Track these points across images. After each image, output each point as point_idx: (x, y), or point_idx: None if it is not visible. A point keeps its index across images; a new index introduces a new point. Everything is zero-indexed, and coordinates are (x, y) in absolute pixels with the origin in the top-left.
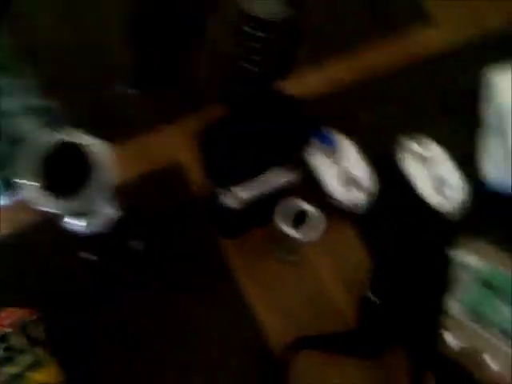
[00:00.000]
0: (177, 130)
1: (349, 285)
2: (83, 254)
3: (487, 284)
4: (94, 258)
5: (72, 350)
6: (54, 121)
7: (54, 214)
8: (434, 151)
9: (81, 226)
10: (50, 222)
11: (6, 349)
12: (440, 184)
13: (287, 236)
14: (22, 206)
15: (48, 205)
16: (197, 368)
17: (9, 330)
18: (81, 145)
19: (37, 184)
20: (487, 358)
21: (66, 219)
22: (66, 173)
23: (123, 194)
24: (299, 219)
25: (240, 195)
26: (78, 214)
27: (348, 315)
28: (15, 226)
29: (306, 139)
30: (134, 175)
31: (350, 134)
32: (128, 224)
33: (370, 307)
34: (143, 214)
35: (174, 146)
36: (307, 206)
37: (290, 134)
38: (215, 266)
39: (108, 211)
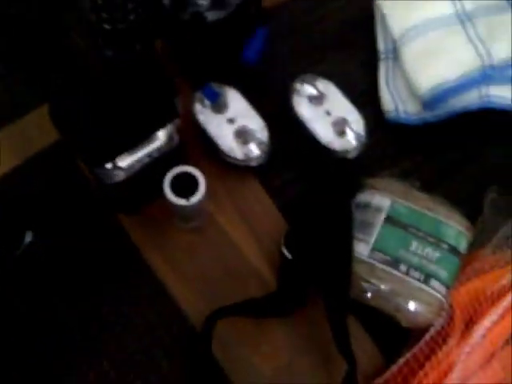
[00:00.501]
0: None
1: (262, 243)
2: None
3: (394, 221)
4: None
5: None
6: None
7: None
8: (329, 90)
9: None
10: None
11: None
12: (338, 124)
13: (174, 205)
14: None
15: None
16: (120, 359)
17: None
18: None
19: None
20: (403, 299)
21: None
22: None
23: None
24: (185, 184)
25: (118, 168)
26: None
27: (265, 274)
28: None
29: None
30: (14, 162)
31: (236, 82)
32: (10, 221)
33: (286, 263)
34: (31, 203)
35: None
36: (190, 169)
37: (158, 99)
38: (119, 247)
39: None
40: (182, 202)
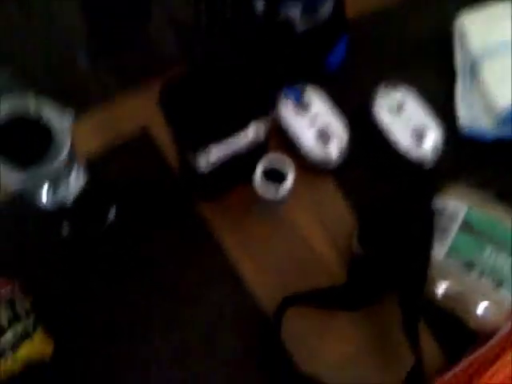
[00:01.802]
0: (141, 95)
1: (334, 239)
2: (60, 230)
3: (470, 228)
4: (67, 233)
5: (58, 322)
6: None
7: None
8: (409, 99)
9: (48, 200)
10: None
11: None
12: (416, 132)
13: (264, 195)
14: None
15: (9, 179)
16: (191, 339)
17: None
18: (39, 114)
19: None
20: (474, 302)
21: (34, 193)
22: (24, 144)
23: (91, 166)
24: (275, 176)
25: (210, 156)
26: (44, 186)
27: (335, 270)
28: None
29: (271, 99)
30: (101, 146)
31: (319, 85)
32: (99, 196)
33: (358, 260)
34: (114, 185)
35: (140, 112)
36: (279, 163)
37: (255, 93)
38: (197, 232)
39: (75, 183)
40: (271, 190)
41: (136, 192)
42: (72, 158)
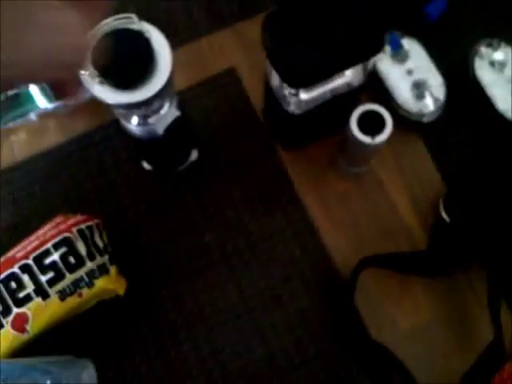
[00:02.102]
0: (230, 36)
1: (417, 202)
2: (142, 164)
3: None
4: (152, 167)
5: (134, 261)
6: None
7: (111, 119)
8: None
9: (140, 129)
10: (108, 129)
11: (70, 253)
12: None
13: (354, 143)
14: (78, 112)
15: (108, 97)
16: (261, 285)
17: (73, 234)
18: (142, 33)
19: (94, 73)
20: None
21: (125, 121)
22: (127, 63)
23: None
24: (370, 123)
25: (304, 98)
26: (138, 112)
27: (416, 234)
28: (70, 133)
29: (381, 38)
30: (187, 82)
31: (421, 37)
32: (184, 131)
33: (443, 227)
34: (198, 122)
35: (229, 53)
36: (379, 108)
37: (366, 30)
38: (276, 182)
39: (170, 112)
40: (368, 139)
41: (219, 133)
42: (170, 86)
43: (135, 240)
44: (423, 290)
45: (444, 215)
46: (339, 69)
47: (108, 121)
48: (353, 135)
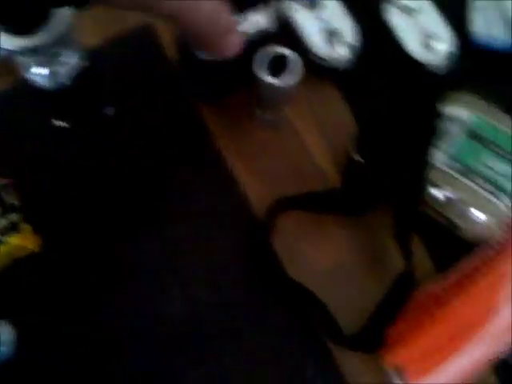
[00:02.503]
0: None
1: (332, 146)
2: (55, 121)
3: (475, 135)
4: (66, 124)
5: (47, 218)
6: None
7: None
8: (423, 3)
9: (45, 78)
10: (18, 87)
11: None
12: (427, 37)
13: (266, 88)
14: None
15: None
16: (183, 237)
17: None
18: None
19: None
20: (473, 209)
21: (30, 70)
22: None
23: (92, 55)
24: (278, 66)
25: None
26: (40, 60)
27: (332, 177)
28: None
29: None
30: (103, 38)
31: None
32: (96, 83)
33: (355, 167)
34: (112, 77)
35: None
36: (285, 51)
37: None
38: (195, 133)
39: (72, 60)
40: (275, 81)
41: (136, 88)
42: (68, 35)
43: (52, 199)
44: (340, 228)
45: (355, 156)
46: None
47: (18, 81)
48: (260, 78)
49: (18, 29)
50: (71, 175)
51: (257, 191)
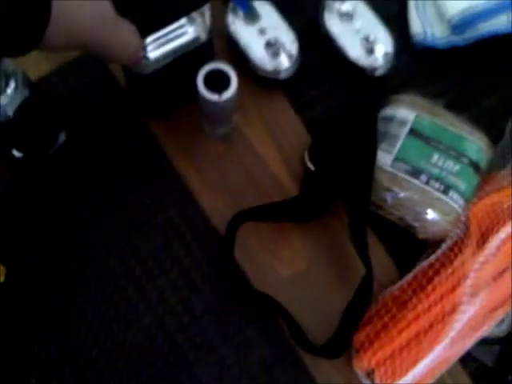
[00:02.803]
0: None
1: (287, 156)
2: (12, 151)
3: (418, 134)
4: (18, 154)
5: (10, 247)
6: None
7: None
8: (360, 8)
9: None
10: None
11: None
12: (367, 42)
13: (206, 103)
14: None
15: None
16: (144, 255)
17: None
18: None
19: None
20: (422, 209)
21: None
22: None
23: (39, 83)
24: (217, 81)
25: (151, 55)
26: None
27: (289, 187)
28: None
29: None
30: (49, 65)
31: None
32: (46, 114)
33: (309, 175)
34: (61, 104)
35: None
36: (223, 65)
37: None
38: (148, 152)
39: (17, 91)
40: (214, 97)
41: (86, 113)
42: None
43: (12, 227)
44: (299, 236)
45: (309, 164)
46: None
47: None
48: (201, 95)
49: None
50: (29, 203)
51: (214, 204)
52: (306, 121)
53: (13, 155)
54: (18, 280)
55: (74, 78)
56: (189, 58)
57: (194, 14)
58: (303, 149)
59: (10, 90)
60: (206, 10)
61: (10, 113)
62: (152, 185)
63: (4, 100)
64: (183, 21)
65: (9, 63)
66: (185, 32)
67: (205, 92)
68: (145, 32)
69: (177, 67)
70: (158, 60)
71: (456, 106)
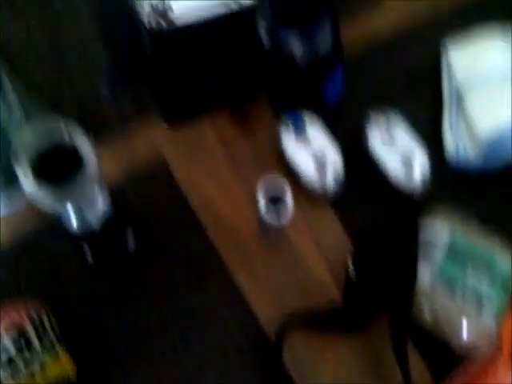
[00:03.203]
0: (155, 123)
1: (331, 263)
2: (83, 255)
3: (454, 250)
4: (91, 259)
5: (82, 344)
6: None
7: (53, 216)
8: (399, 129)
9: (77, 223)
10: (51, 227)
11: (21, 338)
12: (405, 160)
13: (264, 222)
14: (24, 213)
15: (43, 196)
16: (197, 353)
17: (23, 320)
18: (69, 140)
19: (32, 177)
20: (458, 325)
21: (64, 217)
22: (58, 166)
23: (112, 192)
24: (276, 200)
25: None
26: (73, 210)
27: (332, 292)
28: (18, 232)
29: None
30: (120, 172)
31: (319, 115)
32: (119, 223)
33: (352, 284)
34: (132, 212)
35: (156, 140)
36: (281, 188)
37: None
38: (207, 256)
39: (101, 207)
40: (274, 216)
41: (153, 219)
42: (98, 183)
43: (83, 326)
44: (343, 343)
45: (352, 274)
46: None
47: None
48: (262, 217)
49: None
50: (102, 305)
51: (263, 304)
52: (350, 233)
53: (86, 259)
54: (88, 380)
55: (142, 184)
56: (223, 24)
57: None
58: (346, 258)
59: (98, 209)
60: None
61: (95, 227)
62: (208, 286)
63: (92, 217)
64: None
65: (101, 183)
66: None
67: (265, 213)
68: None
69: (205, 31)
70: (183, 14)
71: (487, 222)
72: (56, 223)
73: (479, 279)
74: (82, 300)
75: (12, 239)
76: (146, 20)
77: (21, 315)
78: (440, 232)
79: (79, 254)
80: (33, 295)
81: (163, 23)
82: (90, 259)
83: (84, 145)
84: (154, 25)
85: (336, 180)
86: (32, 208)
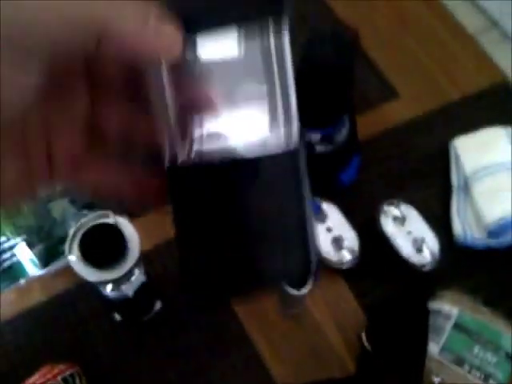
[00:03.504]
0: None
1: (346, 334)
2: (114, 315)
3: (462, 328)
4: (120, 318)
5: None
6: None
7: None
8: (411, 213)
9: (112, 293)
10: (85, 289)
11: None
12: (417, 242)
13: (287, 295)
14: (59, 274)
15: (90, 276)
16: None
17: (58, 382)
18: (112, 223)
19: (80, 258)
20: None
21: (101, 286)
22: (101, 247)
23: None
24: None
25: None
26: (113, 282)
27: (346, 361)
28: (52, 292)
29: None
30: (151, 243)
31: (337, 200)
32: (150, 289)
33: (366, 354)
34: (161, 280)
35: None
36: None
37: None
38: (229, 323)
39: (138, 277)
40: (294, 291)
41: (178, 286)
42: (138, 260)
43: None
44: None
45: (366, 344)
46: None
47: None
48: (285, 289)
49: (99, 264)
50: (128, 364)
51: (282, 375)
52: (364, 305)
53: (113, 317)
54: None
55: (168, 255)
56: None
57: None
58: (360, 329)
59: (134, 277)
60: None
61: (130, 294)
62: (229, 352)
63: (128, 287)
64: None
65: (138, 252)
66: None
67: (289, 288)
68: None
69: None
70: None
71: (492, 300)
72: (89, 288)
73: (485, 356)
74: (110, 359)
75: (46, 299)
76: None
77: (55, 376)
78: (449, 309)
79: (107, 313)
80: (63, 353)
81: None
82: (117, 317)
83: (127, 225)
84: None
85: (351, 256)
86: (67, 270)
